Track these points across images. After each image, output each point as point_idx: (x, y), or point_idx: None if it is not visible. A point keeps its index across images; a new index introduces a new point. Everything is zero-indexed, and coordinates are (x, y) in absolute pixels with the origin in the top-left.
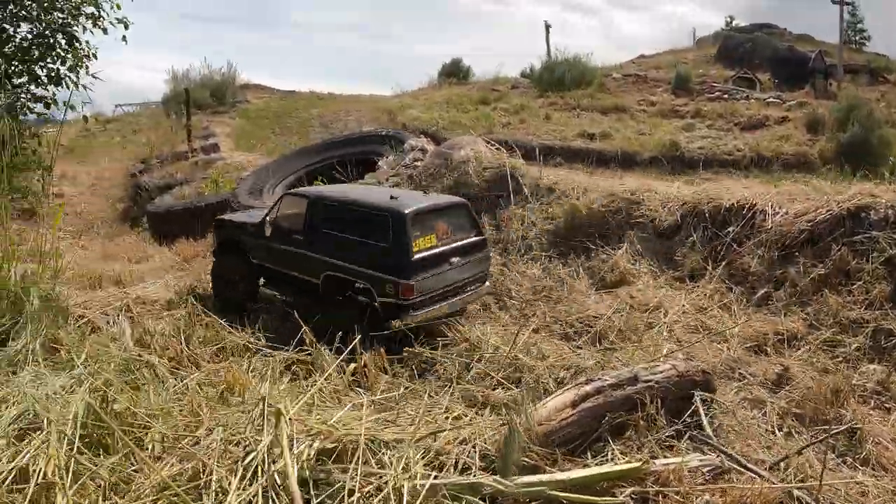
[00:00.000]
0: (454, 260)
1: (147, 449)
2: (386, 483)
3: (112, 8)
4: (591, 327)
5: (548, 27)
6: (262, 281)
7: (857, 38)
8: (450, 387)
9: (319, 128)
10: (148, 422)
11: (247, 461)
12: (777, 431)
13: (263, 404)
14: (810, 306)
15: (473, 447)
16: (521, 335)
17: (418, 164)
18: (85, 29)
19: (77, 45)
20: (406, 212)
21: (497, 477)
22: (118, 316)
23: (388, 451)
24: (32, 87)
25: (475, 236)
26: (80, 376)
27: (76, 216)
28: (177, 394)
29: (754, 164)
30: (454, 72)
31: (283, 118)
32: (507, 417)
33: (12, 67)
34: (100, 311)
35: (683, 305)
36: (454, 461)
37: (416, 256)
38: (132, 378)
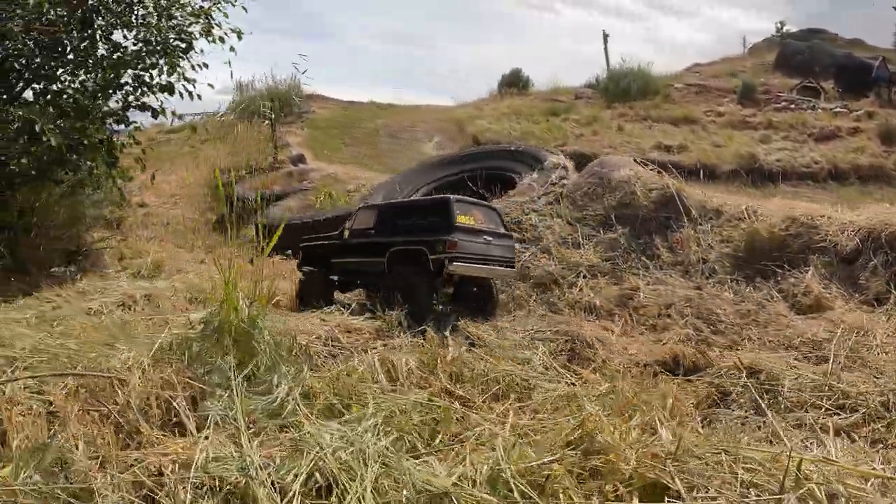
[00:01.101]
0: (486, 237)
1: None
2: None
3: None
4: (816, 350)
5: (606, 36)
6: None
7: None
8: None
9: (387, 138)
10: None
11: None
12: None
13: None
14: None
15: None
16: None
17: (565, 181)
18: (198, 37)
19: (194, 51)
20: (451, 197)
21: None
22: (355, 351)
23: None
24: (138, 94)
25: (503, 230)
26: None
27: (163, 227)
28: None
29: (831, 177)
30: (514, 82)
31: (349, 128)
32: None
33: (121, 75)
34: (314, 343)
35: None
36: None
37: (458, 224)
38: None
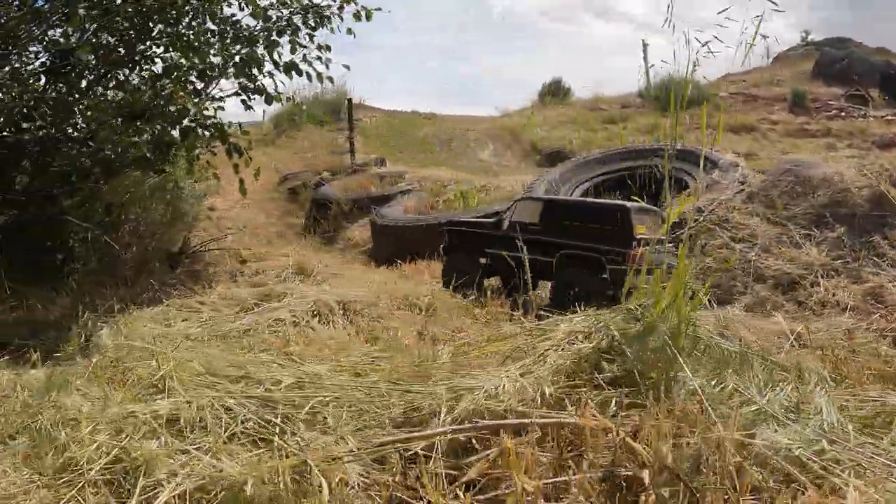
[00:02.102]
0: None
1: None
2: None
3: None
4: None
5: (645, 46)
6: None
7: None
8: None
9: (440, 146)
10: None
11: None
12: None
13: None
14: None
15: None
16: None
17: (748, 181)
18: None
19: (327, 27)
20: (629, 205)
21: None
22: None
23: None
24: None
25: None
26: None
27: (240, 231)
28: None
29: None
30: (555, 91)
31: (399, 136)
32: None
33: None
34: None
35: None
36: None
37: (635, 234)
38: None
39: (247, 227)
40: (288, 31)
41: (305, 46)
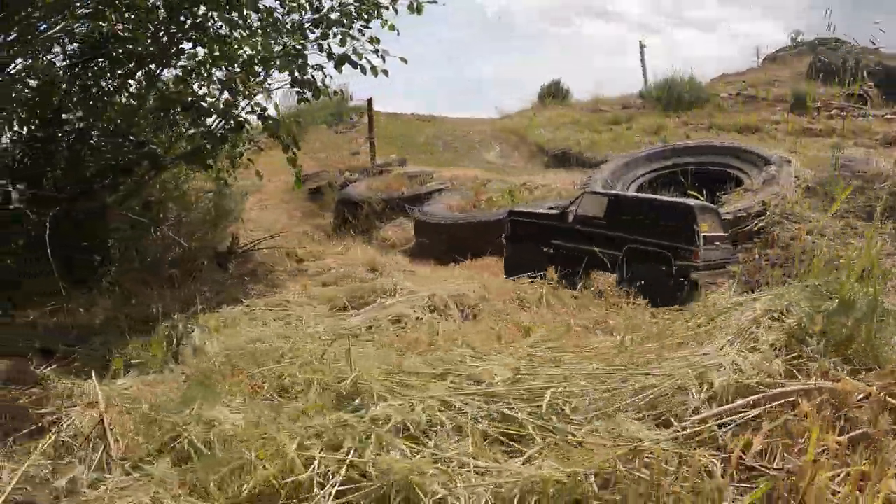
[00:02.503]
0: (716, 243)
1: None
2: None
3: None
4: None
5: (643, 47)
6: None
7: None
8: None
9: (444, 146)
10: None
11: None
12: None
13: None
14: None
15: None
16: None
17: (802, 176)
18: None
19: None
20: (694, 204)
21: None
22: None
23: None
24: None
25: (723, 232)
26: None
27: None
28: None
29: None
30: (554, 92)
31: (403, 138)
32: None
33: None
34: None
35: None
36: None
37: (701, 232)
38: None
39: (270, 228)
40: (341, 23)
41: (357, 38)
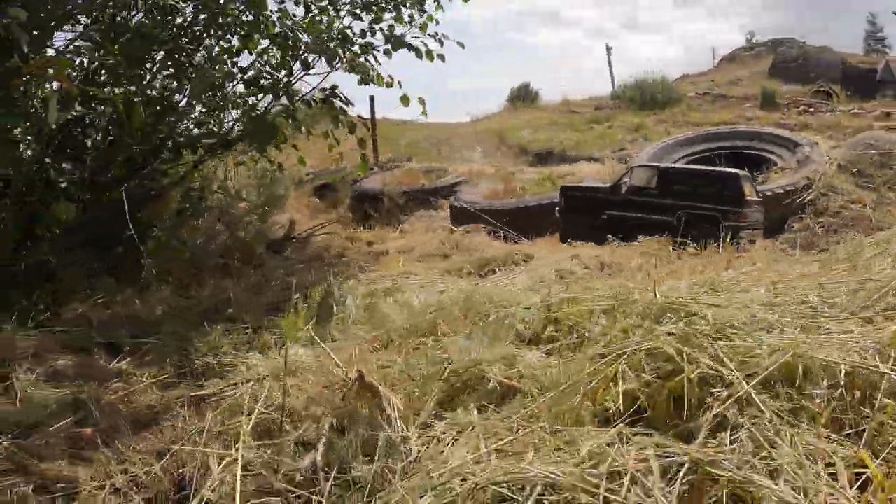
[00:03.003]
0: (756, 206)
1: None
2: None
3: None
4: None
5: (609, 49)
6: None
7: (878, 46)
8: None
9: (430, 147)
10: None
11: None
12: None
13: None
14: None
15: None
16: None
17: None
18: None
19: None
20: (740, 172)
21: None
22: None
23: None
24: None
25: (757, 197)
26: None
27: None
28: None
29: None
30: (524, 96)
31: (387, 140)
32: None
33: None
34: None
35: None
36: None
37: (745, 197)
38: None
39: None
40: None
41: (410, 22)
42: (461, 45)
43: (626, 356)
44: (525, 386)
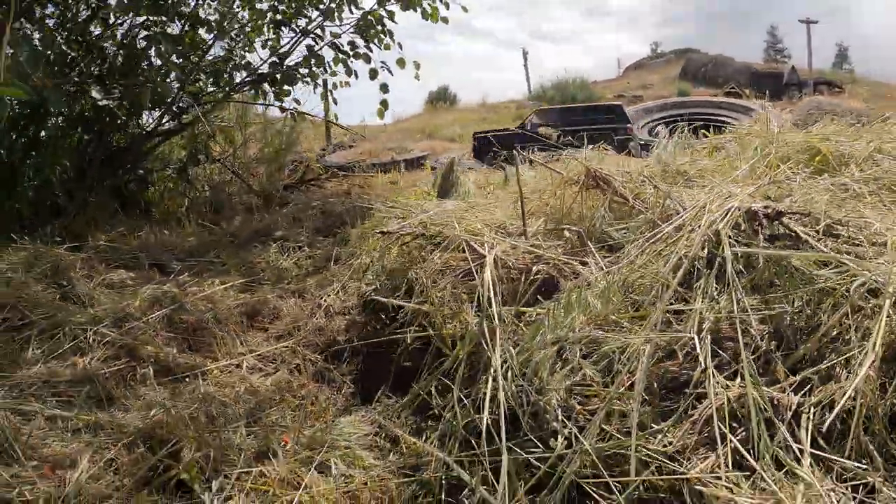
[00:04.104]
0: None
1: None
2: None
3: None
4: None
5: (525, 54)
6: None
7: (777, 56)
8: None
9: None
10: None
11: None
12: None
13: None
14: None
15: None
16: None
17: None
18: None
19: None
20: (620, 103)
21: None
22: None
23: None
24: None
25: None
26: None
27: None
28: None
29: None
30: (443, 98)
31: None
32: None
33: None
34: None
35: None
36: None
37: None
38: None
39: None
40: None
41: None
42: (465, 9)
43: None
44: None
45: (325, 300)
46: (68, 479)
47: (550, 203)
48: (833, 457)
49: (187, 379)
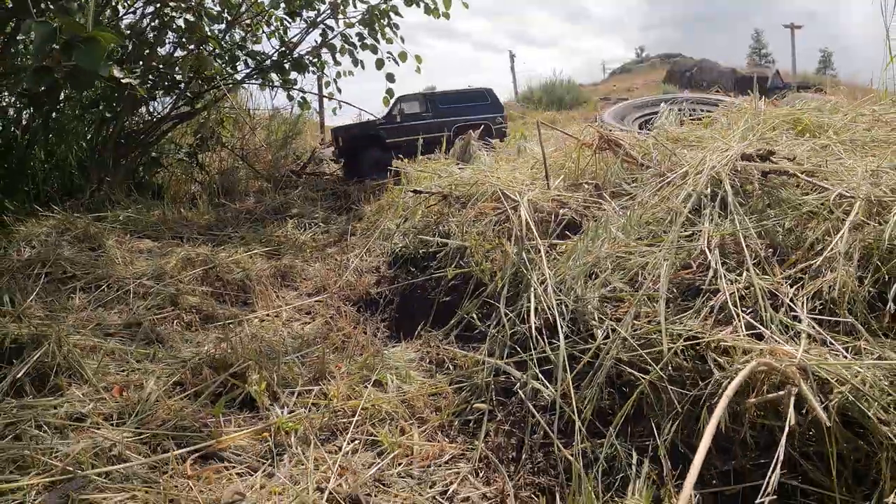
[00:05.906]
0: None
1: None
2: None
3: None
4: None
5: (513, 56)
6: None
7: (761, 61)
8: None
9: None
10: None
11: None
12: None
13: None
14: None
15: None
16: None
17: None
18: None
19: None
20: (490, 88)
21: None
22: None
23: None
24: None
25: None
26: None
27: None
28: None
29: None
30: None
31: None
32: None
33: None
34: None
35: None
36: None
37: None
38: None
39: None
40: None
41: None
42: (465, 4)
43: None
44: None
45: (351, 262)
46: (138, 398)
47: (566, 165)
48: (825, 333)
49: (231, 326)
